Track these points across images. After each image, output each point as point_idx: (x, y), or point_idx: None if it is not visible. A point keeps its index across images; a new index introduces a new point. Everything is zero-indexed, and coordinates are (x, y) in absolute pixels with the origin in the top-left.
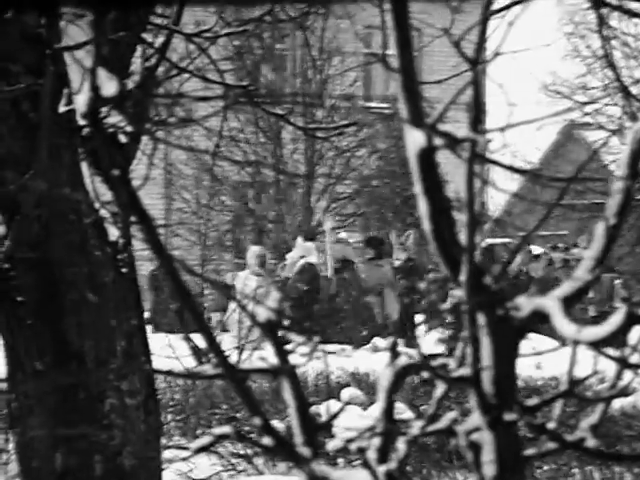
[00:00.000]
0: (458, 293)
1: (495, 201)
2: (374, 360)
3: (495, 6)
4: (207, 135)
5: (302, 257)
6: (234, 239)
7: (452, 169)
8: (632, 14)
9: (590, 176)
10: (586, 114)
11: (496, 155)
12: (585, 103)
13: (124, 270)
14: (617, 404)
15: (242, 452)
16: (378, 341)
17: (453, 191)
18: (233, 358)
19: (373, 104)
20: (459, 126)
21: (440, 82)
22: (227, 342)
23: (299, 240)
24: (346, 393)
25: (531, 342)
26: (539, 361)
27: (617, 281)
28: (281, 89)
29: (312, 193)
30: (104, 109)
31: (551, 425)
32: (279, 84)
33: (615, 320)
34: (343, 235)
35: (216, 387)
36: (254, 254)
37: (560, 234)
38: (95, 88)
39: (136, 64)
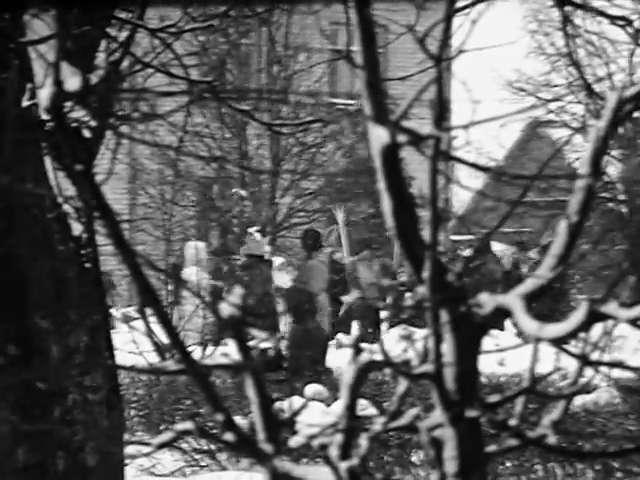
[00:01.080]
0: (421, 289)
1: (459, 198)
2: (338, 356)
3: (459, 3)
4: (171, 130)
5: (249, 250)
6: (198, 234)
7: (416, 166)
8: (595, 12)
9: (554, 173)
10: (550, 112)
11: (460, 152)
12: (549, 100)
13: (88, 265)
14: (579, 401)
15: (205, 448)
16: (342, 337)
17: (417, 188)
18: (196, 354)
19: (338, 100)
20: (423, 123)
21: (404, 79)
22: (190, 337)
23: (249, 235)
24: (310, 389)
25: (494, 339)
26: (502, 357)
27: None
28: (246, 85)
29: (277, 189)
30: (67, 104)
31: (513, 422)
32: (244, 80)
33: (576, 317)
34: (252, 230)
35: (179, 383)
36: (193, 249)
37: (524, 231)
38: (58, 82)
39: (100, 58)
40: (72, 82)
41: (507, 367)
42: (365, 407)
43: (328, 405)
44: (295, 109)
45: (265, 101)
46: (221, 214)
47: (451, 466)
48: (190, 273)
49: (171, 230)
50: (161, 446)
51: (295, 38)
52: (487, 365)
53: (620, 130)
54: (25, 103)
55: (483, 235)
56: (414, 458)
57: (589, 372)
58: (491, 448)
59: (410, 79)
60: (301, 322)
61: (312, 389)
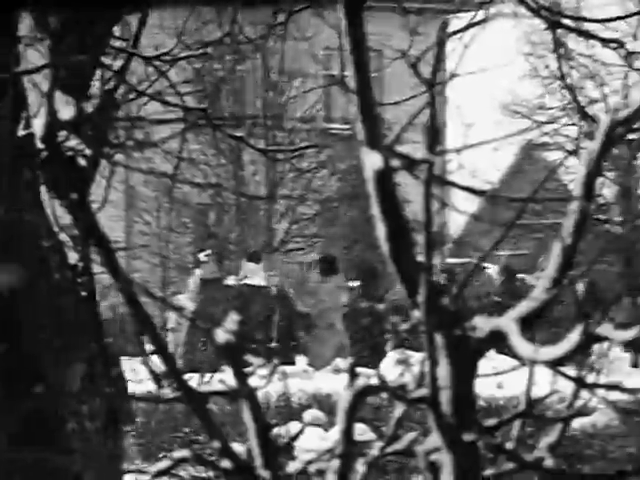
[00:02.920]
0: (416, 313)
1: (455, 221)
2: (336, 381)
3: (452, 28)
4: (167, 157)
5: (245, 278)
6: (195, 261)
7: (411, 190)
8: (587, 35)
9: (548, 196)
10: (544, 134)
11: (455, 176)
12: (543, 123)
13: (84, 294)
14: (577, 423)
15: (202, 475)
16: (340, 362)
17: (412, 212)
18: (192, 381)
19: (333, 125)
20: (417, 147)
21: (398, 103)
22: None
23: (244, 262)
24: (308, 415)
25: (492, 361)
26: (501, 380)
27: None
28: (241, 111)
29: (273, 215)
30: (62, 133)
31: (510, 445)
32: (239, 106)
33: (572, 339)
34: (200, 255)
35: (177, 410)
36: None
37: (519, 254)
38: (53, 112)
39: (95, 87)
40: (66, 111)
41: (506, 390)
42: (363, 432)
43: (326, 430)
44: (290, 135)
45: (260, 127)
46: (217, 241)
47: None
48: (184, 300)
49: (168, 258)
50: (158, 474)
51: (289, 64)
52: (486, 388)
53: (615, 151)
54: (20, 132)
55: (478, 258)
56: None
57: (586, 394)
58: (488, 472)
59: (405, 103)
60: None
61: (310, 414)
